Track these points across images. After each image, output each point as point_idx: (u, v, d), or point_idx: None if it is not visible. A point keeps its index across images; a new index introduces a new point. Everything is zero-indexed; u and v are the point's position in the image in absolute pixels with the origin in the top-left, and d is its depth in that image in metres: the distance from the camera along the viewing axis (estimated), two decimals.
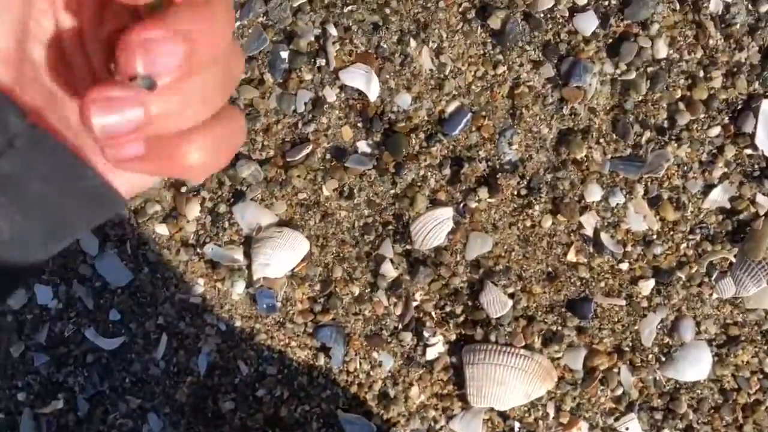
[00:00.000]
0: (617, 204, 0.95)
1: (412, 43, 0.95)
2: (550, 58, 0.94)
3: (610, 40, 0.94)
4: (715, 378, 0.95)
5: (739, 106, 0.94)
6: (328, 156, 0.97)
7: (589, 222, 0.95)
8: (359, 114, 0.96)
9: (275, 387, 0.98)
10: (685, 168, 0.95)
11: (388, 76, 0.96)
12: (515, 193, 0.96)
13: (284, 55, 0.96)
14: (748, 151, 0.93)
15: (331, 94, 0.96)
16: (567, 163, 0.95)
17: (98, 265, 0.99)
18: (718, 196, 0.94)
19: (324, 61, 0.96)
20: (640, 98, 0.94)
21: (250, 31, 0.96)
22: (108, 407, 1.00)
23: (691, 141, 0.94)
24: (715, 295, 0.95)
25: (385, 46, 0.95)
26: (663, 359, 0.95)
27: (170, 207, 0.98)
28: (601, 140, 0.95)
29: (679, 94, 0.94)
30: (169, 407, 0.99)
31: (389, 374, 0.98)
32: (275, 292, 0.98)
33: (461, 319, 0.97)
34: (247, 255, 0.98)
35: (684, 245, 0.95)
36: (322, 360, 0.98)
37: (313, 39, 0.96)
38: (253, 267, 0.97)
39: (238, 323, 0.99)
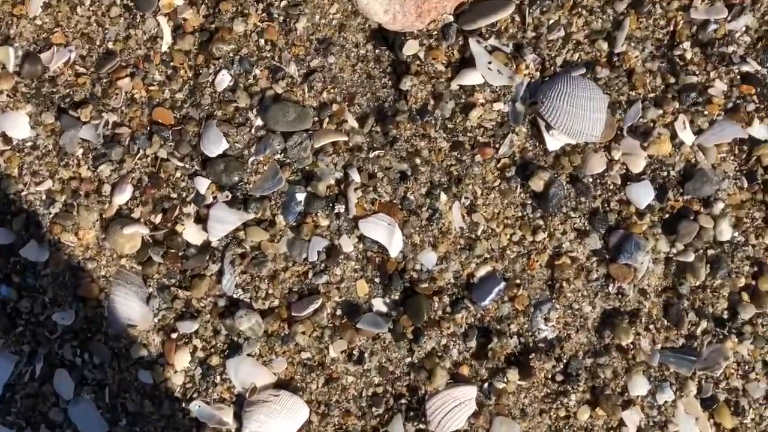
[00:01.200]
0: (665, 401, 0.84)
1: (443, 197, 0.85)
2: (597, 228, 0.84)
3: (667, 216, 0.84)
4: None
5: None
6: (338, 312, 0.86)
7: (633, 419, 0.83)
8: (377, 269, 0.86)
9: None
10: (747, 368, 0.84)
11: (412, 231, 0.86)
12: (549, 377, 0.84)
13: (300, 197, 0.86)
14: None
15: (348, 244, 0.86)
16: (610, 349, 0.84)
17: (71, 411, 0.89)
18: None
19: (343, 207, 0.86)
20: (698, 283, 0.83)
21: (265, 168, 0.87)
22: None
23: (755, 337, 0.83)
24: None
25: (412, 197, 0.86)
26: None
27: (158, 353, 0.88)
28: (651, 326, 0.84)
29: (743, 282, 0.84)
30: None
31: None
32: None
33: None
34: (238, 417, 0.86)
35: None
36: None
37: (333, 183, 0.86)
38: None
39: None
